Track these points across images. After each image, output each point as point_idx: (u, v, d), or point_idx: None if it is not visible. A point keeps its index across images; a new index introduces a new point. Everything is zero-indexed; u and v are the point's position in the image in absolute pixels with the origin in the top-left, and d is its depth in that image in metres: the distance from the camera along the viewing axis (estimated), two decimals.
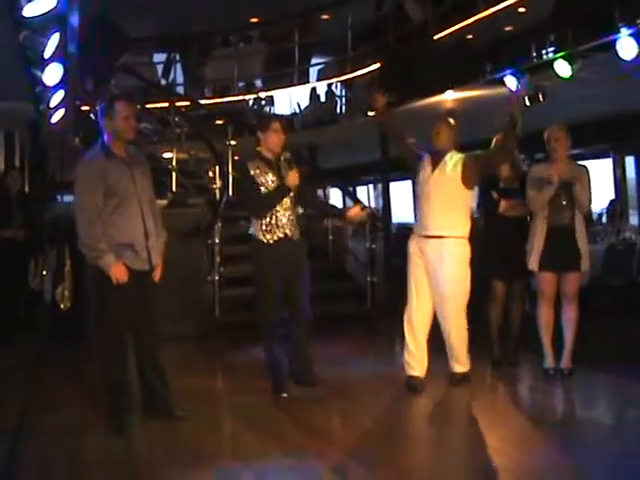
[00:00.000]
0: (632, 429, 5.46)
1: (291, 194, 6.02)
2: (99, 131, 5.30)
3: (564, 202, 6.29)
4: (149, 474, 4.52)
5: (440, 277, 6.03)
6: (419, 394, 6.07)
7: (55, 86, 6.88)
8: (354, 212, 6.44)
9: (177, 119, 11.09)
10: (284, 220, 6.01)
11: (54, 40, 5.95)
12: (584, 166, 6.52)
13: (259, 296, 6.14)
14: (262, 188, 5.97)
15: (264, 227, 5.99)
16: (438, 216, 6.04)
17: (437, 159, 6.16)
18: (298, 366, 6.18)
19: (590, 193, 6.34)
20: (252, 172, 6.01)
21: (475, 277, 6.18)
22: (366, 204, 14.31)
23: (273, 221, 5.99)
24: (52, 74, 6.51)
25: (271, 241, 5.98)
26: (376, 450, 4.86)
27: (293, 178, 5.94)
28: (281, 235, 5.99)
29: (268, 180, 6.00)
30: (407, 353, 6.17)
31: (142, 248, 5.21)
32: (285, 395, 6.01)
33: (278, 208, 5.98)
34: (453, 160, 6.10)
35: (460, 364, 6.26)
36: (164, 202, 9.30)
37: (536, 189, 6.32)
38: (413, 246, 6.17)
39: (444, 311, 6.09)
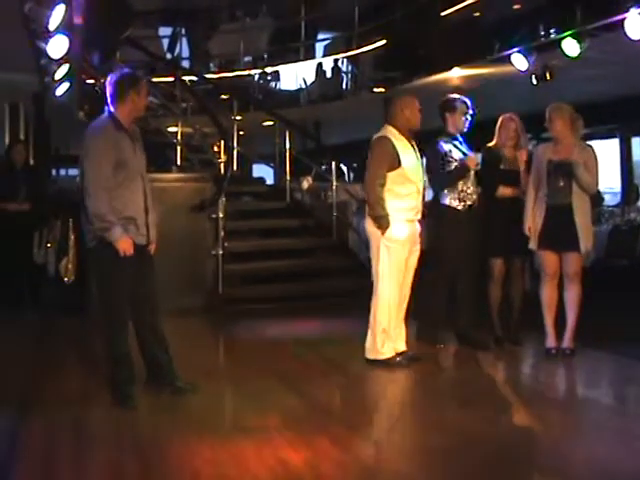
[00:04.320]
0: (633, 408, 5.50)
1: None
2: (105, 103, 5.28)
3: (561, 182, 6.27)
4: (152, 446, 4.54)
5: (417, 255, 6.28)
6: (417, 371, 6.12)
7: (60, 58, 6.85)
8: None
9: (182, 93, 11.07)
10: (471, 189, 6.66)
11: (59, 12, 5.92)
12: (590, 146, 6.48)
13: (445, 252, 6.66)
14: (452, 163, 6.61)
15: (456, 195, 6.63)
16: (421, 199, 6.23)
17: (409, 139, 6.20)
18: (462, 322, 6.81)
19: (597, 173, 6.32)
20: (445, 147, 6.64)
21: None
22: None
23: (463, 190, 6.63)
24: (57, 46, 6.48)
25: (461, 207, 6.64)
26: (376, 425, 4.88)
27: (473, 162, 6.58)
28: (468, 203, 6.65)
29: (455, 155, 6.62)
30: (391, 334, 6.19)
31: (142, 223, 5.23)
32: (442, 346, 6.74)
33: (466, 177, 6.64)
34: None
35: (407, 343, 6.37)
36: (170, 175, 9.31)
37: (535, 169, 6.34)
38: (409, 230, 6.13)
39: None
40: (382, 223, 6.01)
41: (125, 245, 5.05)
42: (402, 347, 6.29)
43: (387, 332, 6.14)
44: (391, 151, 6.03)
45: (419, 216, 6.20)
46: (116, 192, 5.06)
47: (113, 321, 5.24)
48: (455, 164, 6.61)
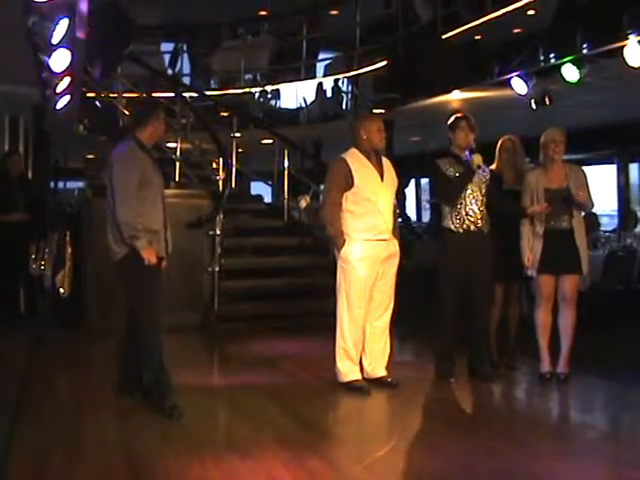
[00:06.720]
0: (626, 435, 5.48)
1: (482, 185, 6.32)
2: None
3: (562, 207, 6.28)
4: (144, 460, 4.53)
5: (390, 276, 6.17)
6: (412, 394, 6.11)
7: (62, 72, 6.87)
8: None
9: (182, 109, 11.10)
10: (475, 211, 6.30)
11: (62, 26, 5.94)
12: (579, 167, 6.50)
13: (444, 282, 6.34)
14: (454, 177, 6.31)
15: (455, 216, 6.28)
16: (391, 219, 6.12)
17: (377, 160, 6.15)
18: (475, 358, 6.48)
19: (590, 192, 6.34)
20: (443, 168, 6.32)
21: None
22: None
23: (463, 211, 6.28)
24: (59, 60, 6.50)
25: (460, 230, 6.28)
26: (370, 447, 4.87)
27: (478, 158, 6.26)
28: (471, 226, 6.28)
29: (457, 172, 6.31)
30: (357, 359, 6.12)
31: (162, 238, 5.54)
32: (453, 380, 6.33)
33: (469, 197, 6.28)
34: (390, 166, 6.23)
35: (387, 369, 6.26)
36: (168, 191, 9.30)
37: (529, 197, 6.34)
38: (367, 251, 6.02)
39: (389, 314, 6.22)
40: (336, 243, 6.04)
41: (149, 254, 5.33)
42: (381, 372, 6.20)
43: (347, 353, 6.06)
44: (344, 171, 6.02)
45: (385, 235, 6.06)
46: (143, 207, 5.37)
47: (153, 326, 5.42)
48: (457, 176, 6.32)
